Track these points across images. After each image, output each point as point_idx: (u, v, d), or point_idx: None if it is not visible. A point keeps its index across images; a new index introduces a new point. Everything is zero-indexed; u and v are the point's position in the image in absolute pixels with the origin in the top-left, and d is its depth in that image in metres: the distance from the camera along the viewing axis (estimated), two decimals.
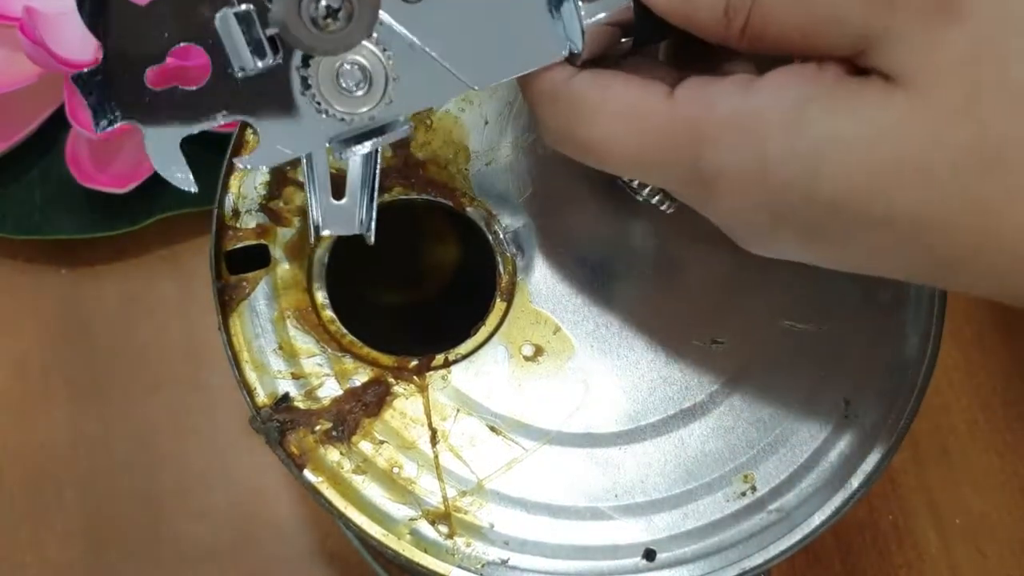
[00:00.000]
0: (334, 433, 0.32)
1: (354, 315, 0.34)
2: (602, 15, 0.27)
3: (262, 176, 0.35)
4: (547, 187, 0.35)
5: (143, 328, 0.50)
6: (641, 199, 0.31)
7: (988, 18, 0.24)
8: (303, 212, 0.34)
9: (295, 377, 0.33)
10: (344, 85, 0.27)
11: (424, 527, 0.32)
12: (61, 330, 0.49)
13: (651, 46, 0.29)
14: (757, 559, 0.32)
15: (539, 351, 0.33)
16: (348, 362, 0.33)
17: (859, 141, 0.25)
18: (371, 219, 0.31)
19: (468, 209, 0.35)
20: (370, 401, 0.33)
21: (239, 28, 0.26)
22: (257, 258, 0.34)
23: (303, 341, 0.33)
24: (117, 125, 0.27)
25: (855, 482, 0.33)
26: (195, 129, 0.27)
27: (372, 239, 0.32)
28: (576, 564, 0.32)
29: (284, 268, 0.34)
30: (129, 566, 0.46)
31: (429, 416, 0.33)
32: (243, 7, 0.26)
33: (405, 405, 0.33)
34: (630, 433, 0.33)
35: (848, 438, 0.33)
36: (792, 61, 0.27)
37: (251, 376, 0.33)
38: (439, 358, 0.33)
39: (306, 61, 0.27)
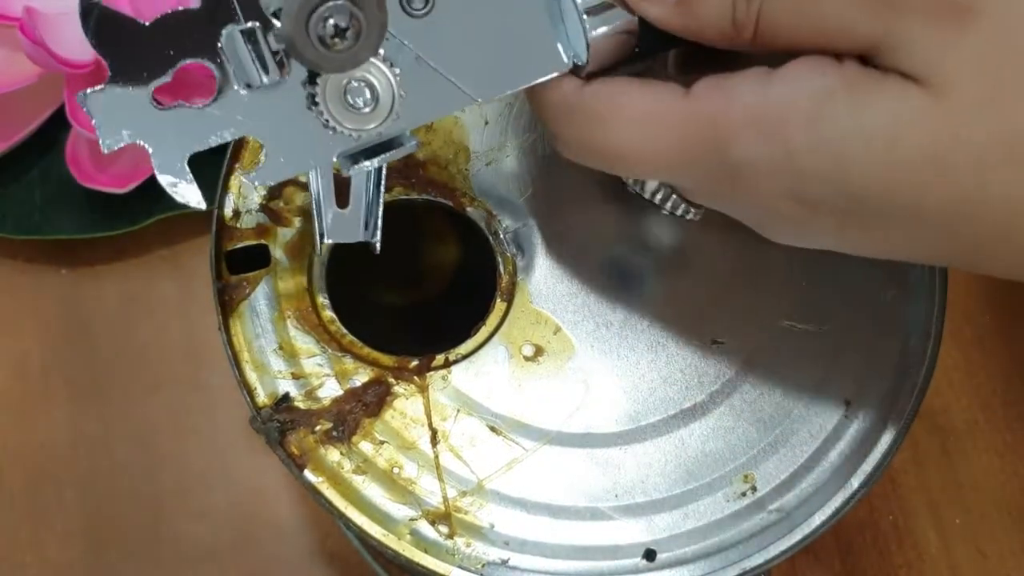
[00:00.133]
0: (334, 433, 0.32)
1: (354, 315, 0.34)
2: (606, 27, 0.27)
3: (271, 182, 0.34)
4: (547, 187, 0.35)
5: (143, 328, 0.50)
6: (666, 212, 0.31)
7: (1002, 18, 0.24)
8: (303, 212, 0.34)
9: (295, 377, 0.33)
10: (352, 102, 0.27)
11: (424, 527, 0.32)
12: (61, 330, 0.49)
13: (656, 55, 0.29)
14: (757, 559, 0.32)
15: (539, 351, 0.33)
16: (348, 362, 0.33)
17: (882, 134, 0.25)
18: (376, 227, 0.31)
19: (468, 209, 0.35)
20: (370, 401, 0.33)
21: (245, 45, 0.26)
22: (257, 258, 0.34)
23: (303, 341, 0.33)
24: (123, 144, 0.27)
25: (855, 482, 0.33)
26: (202, 147, 0.27)
27: (378, 247, 0.32)
28: (576, 564, 0.32)
29: (284, 268, 0.34)
30: (129, 566, 0.46)
31: (429, 416, 0.33)
32: (249, 24, 0.26)
33: (405, 405, 0.33)
34: (630, 433, 0.33)
35: (848, 438, 0.33)
36: None
37: (251, 376, 0.33)
38: (439, 358, 0.33)
39: (313, 78, 0.27)
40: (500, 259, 0.34)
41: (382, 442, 0.32)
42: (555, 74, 0.28)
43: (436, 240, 0.43)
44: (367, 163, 0.28)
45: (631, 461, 0.33)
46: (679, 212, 0.31)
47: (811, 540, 0.32)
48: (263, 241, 0.34)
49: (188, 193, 0.27)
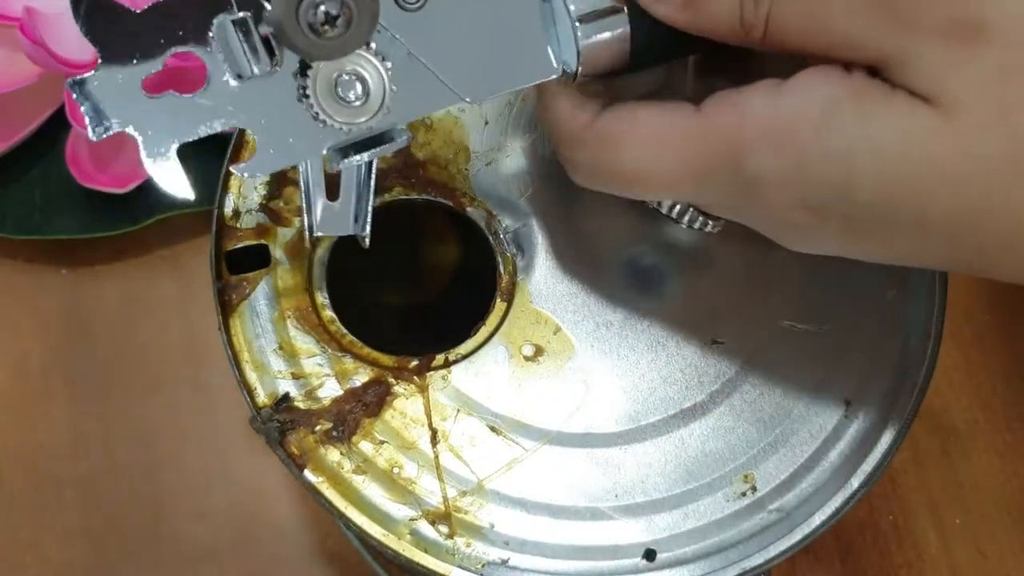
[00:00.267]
0: (334, 433, 0.32)
1: (354, 315, 0.34)
2: (598, 36, 0.27)
3: (262, 176, 0.34)
4: (547, 187, 0.35)
5: (143, 328, 0.50)
6: (684, 225, 0.31)
7: (1011, 37, 0.24)
8: None
9: (295, 377, 0.33)
10: (342, 95, 0.27)
11: (424, 527, 0.32)
12: (61, 330, 0.49)
13: (647, 68, 0.29)
14: (757, 559, 0.32)
15: (539, 351, 0.33)
16: (348, 362, 0.33)
17: (890, 147, 0.25)
18: (366, 220, 0.31)
19: (468, 209, 0.35)
20: (370, 401, 0.33)
21: (237, 34, 0.26)
22: (257, 258, 0.34)
23: (303, 341, 0.33)
24: (112, 132, 0.26)
25: (855, 482, 0.33)
26: (191, 137, 0.27)
27: (367, 242, 0.31)
28: (576, 564, 0.32)
29: (284, 268, 0.34)
30: (129, 566, 0.46)
31: (429, 416, 0.33)
32: (240, 13, 0.26)
33: (405, 405, 0.33)
34: (630, 433, 0.33)
35: (848, 438, 0.33)
36: None
37: (251, 376, 0.33)
38: (439, 358, 0.33)
39: (304, 70, 0.27)
40: (500, 259, 0.34)
41: (382, 442, 0.32)
42: (544, 79, 0.28)
43: (436, 240, 0.43)
44: (357, 157, 0.28)
45: (631, 461, 0.33)
46: (697, 225, 0.32)
47: (811, 540, 0.32)
48: (263, 241, 0.34)
49: (175, 184, 0.27)
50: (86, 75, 0.26)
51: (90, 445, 0.48)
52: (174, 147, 0.27)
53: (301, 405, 0.32)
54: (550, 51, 0.28)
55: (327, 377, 0.33)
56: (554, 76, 0.28)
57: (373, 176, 0.31)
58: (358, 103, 0.27)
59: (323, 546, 0.47)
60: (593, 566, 0.32)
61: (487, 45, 0.28)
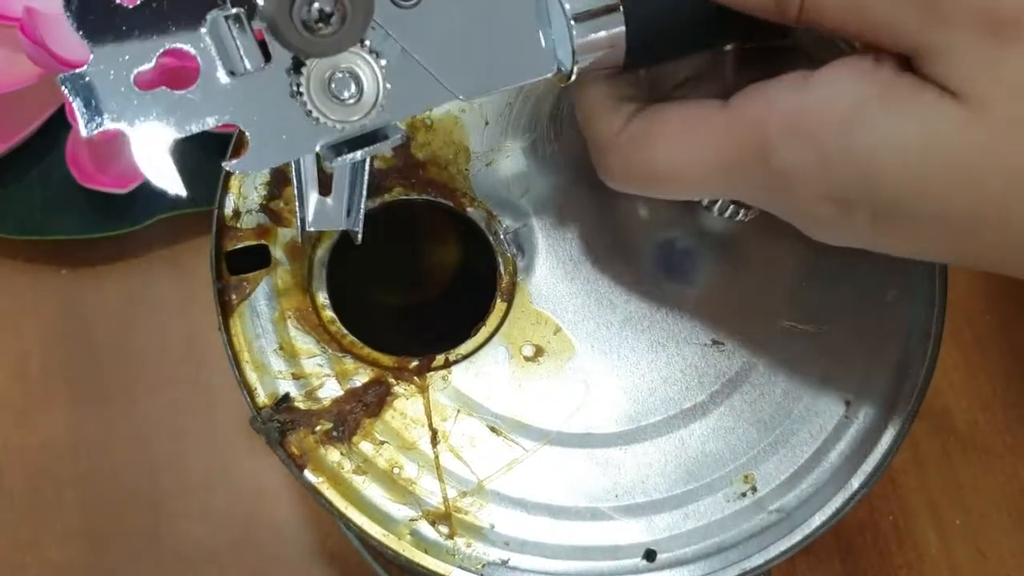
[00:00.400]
0: (335, 433, 0.32)
1: (355, 315, 0.34)
2: (593, 35, 0.27)
3: (262, 176, 0.34)
4: (547, 187, 0.35)
5: (143, 328, 0.50)
6: (715, 214, 0.31)
7: None
8: None
9: (295, 377, 0.33)
10: (336, 92, 0.27)
11: (424, 527, 0.32)
12: (61, 330, 0.49)
13: (643, 68, 0.29)
14: (757, 559, 0.32)
15: (539, 351, 0.33)
16: (348, 362, 0.33)
17: (914, 144, 0.25)
18: (359, 216, 0.31)
19: (468, 209, 0.35)
20: (371, 401, 0.33)
21: (230, 30, 0.26)
22: (258, 258, 0.34)
23: (303, 341, 0.33)
24: (104, 128, 0.26)
25: (855, 482, 0.33)
26: (183, 134, 0.27)
27: (359, 238, 0.31)
28: (576, 564, 0.32)
29: (285, 268, 0.34)
30: (129, 566, 0.46)
31: (429, 416, 0.33)
32: (234, 10, 0.26)
33: (405, 405, 0.33)
34: (630, 433, 0.33)
35: (848, 439, 0.33)
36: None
37: (251, 376, 0.33)
38: (439, 358, 0.33)
39: (297, 67, 0.27)
40: (500, 259, 0.34)
41: (382, 442, 0.32)
42: (539, 77, 0.28)
43: (436, 240, 0.43)
44: (351, 155, 0.28)
45: (631, 461, 0.33)
46: (727, 214, 0.32)
47: (811, 540, 0.32)
48: (263, 241, 0.34)
49: (167, 180, 0.27)
50: (78, 71, 0.26)
51: (90, 445, 0.48)
52: (167, 143, 0.26)
53: (301, 405, 0.32)
54: (545, 49, 0.28)
55: (327, 377, 0.33)
56: (549, 75, 0.28)
57: (367, 172, 0.31)
58: (352, 101, 0.27)
59: (323, 546, 0.47)
60: (593, 566, 0.32)
61: (482, 43, 0.28)
